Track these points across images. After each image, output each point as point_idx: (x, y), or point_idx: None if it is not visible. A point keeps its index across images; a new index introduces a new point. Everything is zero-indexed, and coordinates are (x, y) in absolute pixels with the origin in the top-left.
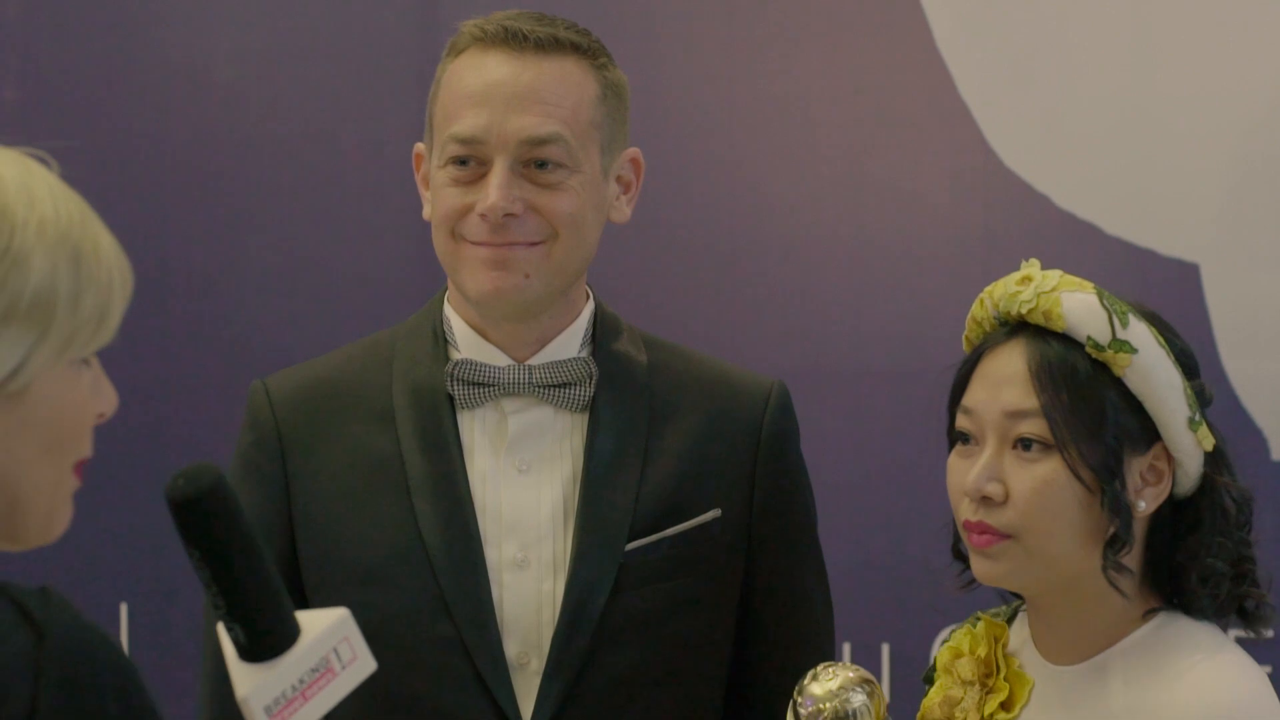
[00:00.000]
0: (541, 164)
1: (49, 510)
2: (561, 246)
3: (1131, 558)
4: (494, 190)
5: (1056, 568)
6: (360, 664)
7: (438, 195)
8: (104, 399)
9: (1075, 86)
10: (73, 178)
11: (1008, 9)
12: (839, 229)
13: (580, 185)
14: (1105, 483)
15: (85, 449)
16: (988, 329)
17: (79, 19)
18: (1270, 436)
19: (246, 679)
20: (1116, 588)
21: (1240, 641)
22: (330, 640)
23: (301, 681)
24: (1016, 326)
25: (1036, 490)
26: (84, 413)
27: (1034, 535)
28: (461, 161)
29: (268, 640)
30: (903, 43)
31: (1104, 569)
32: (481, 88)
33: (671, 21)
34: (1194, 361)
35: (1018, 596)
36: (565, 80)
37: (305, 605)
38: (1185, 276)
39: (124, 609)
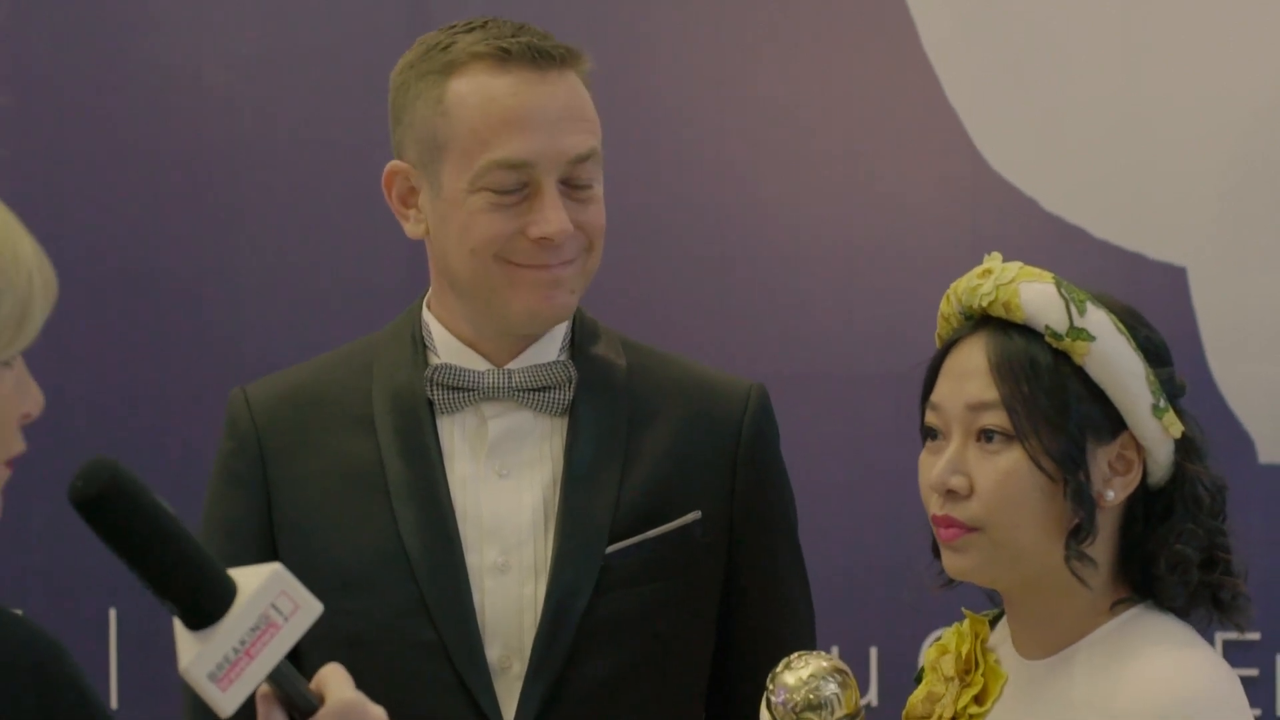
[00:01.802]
0: (576, 181)
1: None
2: (594, 258)
3: (1104, 548)
4: (556, 214)
5: (1024, 560)
6: (305, 611)
7: (474, 222)
8: (30, 398)
9: (1063, 90)
10: (64, 182)
11: (995, 13)
12: (827, 233)
13: (601, 194)
14: (1068, 473)
15: (14, 446)
16: (955, 324)
17: (70, 23)
18: (1258, 440)
19: (187, 650)
20: (1080, 579)
21: (1227, 644)
22: (265, 597)
23: (243, 642)
24: (980, 320)
25: (999, 482)
26: (6, 411)
27: (999, 527)
28: (503, 186)
29: (200, 610)
30: (890, 47)
31: (1067, 560)
32: (521, 110)
33: (660, 25)
34: (1161, 350)
35: (994, 601)
36: (583, 93)
37: None
38: (1173, 280)
39: (113, 614)
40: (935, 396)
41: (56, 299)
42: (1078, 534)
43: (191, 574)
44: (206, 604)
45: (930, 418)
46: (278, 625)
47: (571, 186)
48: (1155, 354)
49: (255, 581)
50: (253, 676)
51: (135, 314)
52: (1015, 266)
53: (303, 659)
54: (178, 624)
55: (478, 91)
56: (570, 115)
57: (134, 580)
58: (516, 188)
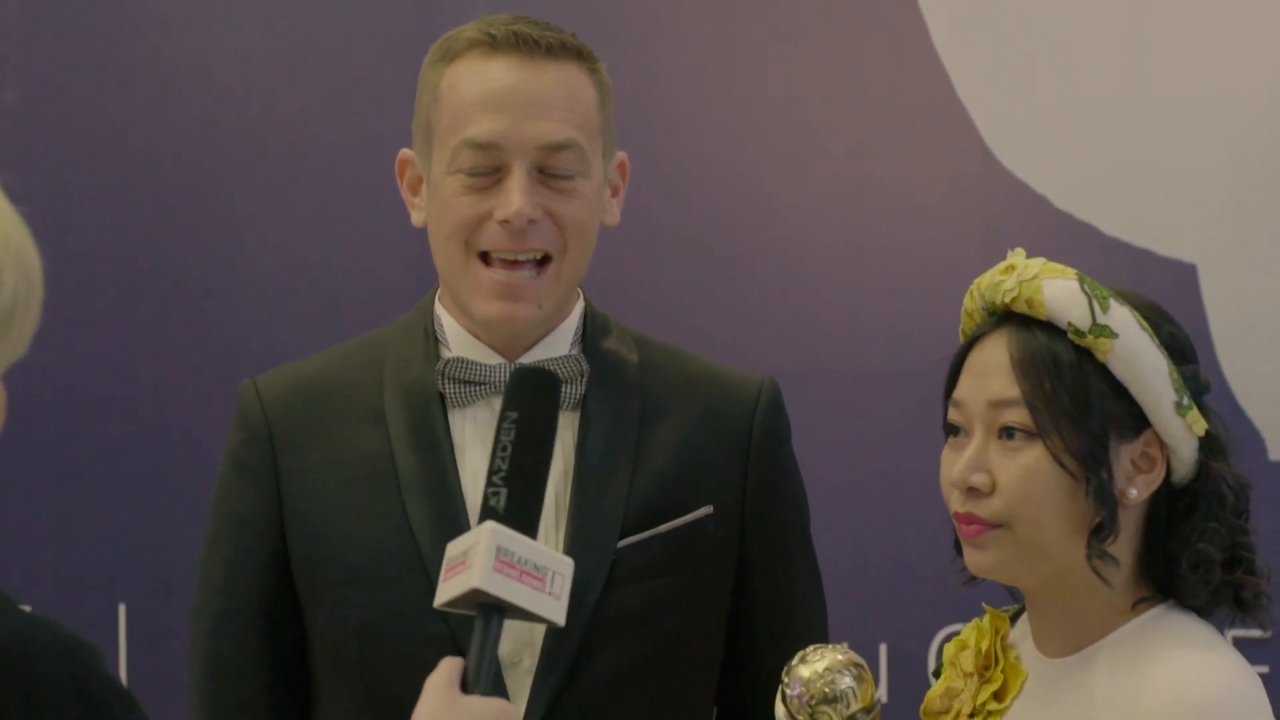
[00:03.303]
0: (554, 169)
1: None
2: (569, 261)
3: (1126, 547)
4: (517, 196)
5: (1046, 557)
6: (556, 608)
7: (447, 204)
8: None
9: (1074, 87)
10: (72, 178)
11: (1006, 10)
12: (837, 230)
13: (589, 191)
14: (1090, 471)
15: None
16: (978, 320)
17: (79, 20)
18: (1268, 437)
19: (493, 525)
20: (1102, 577)
21: (1236, 641)
22: (557, 565)
23: (525, 563)
24: (1003, 316)
25: (1020, 479)
26: (2, 413)
27: (1022, 524)
28: (474, 167)
29: (519, 513)
30: (901, 44)
31: (1089, 558)
32: (495, 92)
33: (669, 22)
34: (1185, 347)
35: (1014, 597)
36: (574, 86)
37: (298, 606)
38: (1183, 277)
39: (122, 609)
40: (958, 393)
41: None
42: (1099, 532)
43: (536, 486)
44: (525, 513)
45: (952, 414)
46: (543, 586)
47: (549, 176)
48: (1179, 351)
49: (557, 554)
50: (504, 588)
51: (143, 309)
52: (1039, 263)
53: (312, 649)
54: (490, 527)
55: (463, 76)
56: (548, 102)
57: (142, 576)
58: (487, 170)
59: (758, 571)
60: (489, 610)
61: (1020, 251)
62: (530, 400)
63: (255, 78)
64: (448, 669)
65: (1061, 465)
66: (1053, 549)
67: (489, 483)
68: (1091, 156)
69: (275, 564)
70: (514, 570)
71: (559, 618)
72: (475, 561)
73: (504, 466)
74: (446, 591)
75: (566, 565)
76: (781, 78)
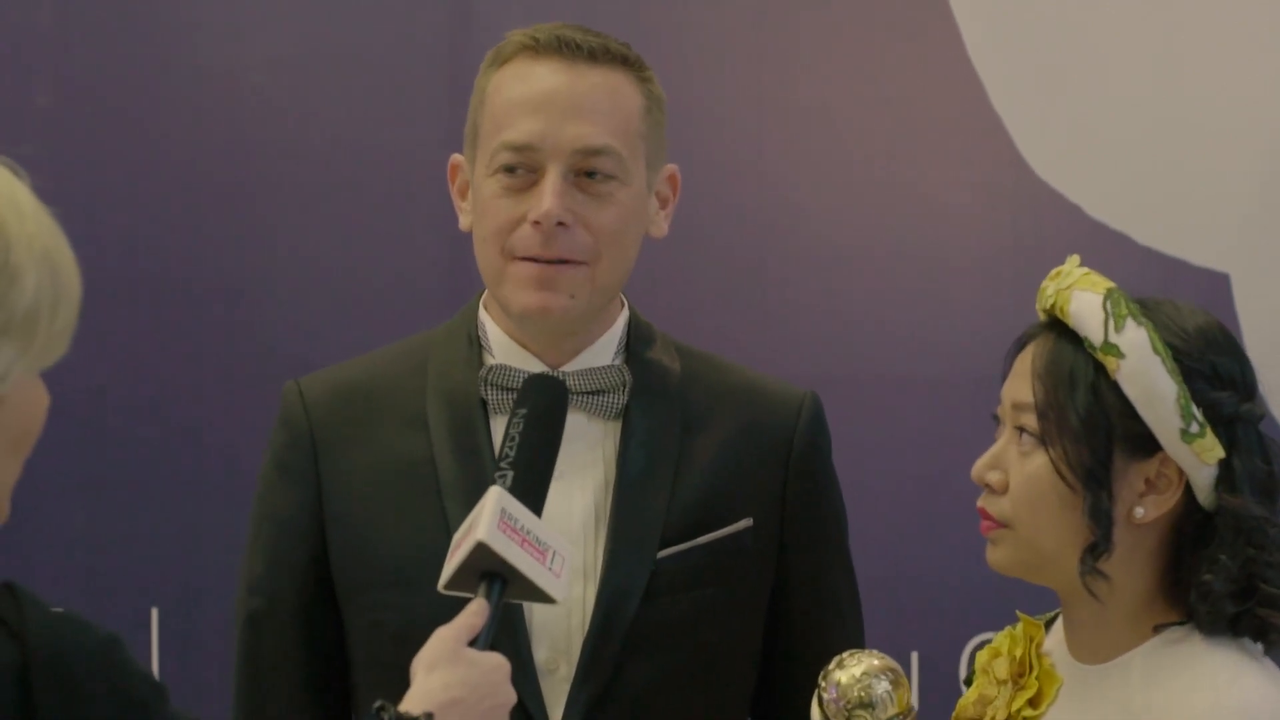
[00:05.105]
0: (591, 174)
1: (1, 504)
2: (604, 267)
3: (1145, 565)
4: (549, 197)
5: (1051, 563)
6: (556, 585)
7: (487, 207)
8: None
9: (1107, 96)
10: (103, 182)
11: (1040, 18)
12: (869, 238)
13: (627, 198)
14: (1088, 487)
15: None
16: (1040, 320)
17: (112, 25)
18: None
19: (503, 493)
20: (1093, 593)
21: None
22: (558, 545)
23: (529, 533)
24: (1051, 321)
25: (1023, 483)
26: (43, 415)
27: (1024, 527)
28: (511, 169)
29: (524, 495)
30: (934, 52)
31: (1081, 574)
32: (535, 95)
33: (701, 30)
34: (1225, 376)
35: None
36: (617, 92)
37: (337, 606)
38: (1216, 286)
39: (154, 613)
40: (1002, 389)
41: (80, 312)
42: (1094, 550)
43: (540, 473)
44: (532, 497)
45: (998, 408)
46: (544, 560)
47: (587, 180)
48: (1214, 378)
49: (561, 537)
50: (505, 547)
51: (175, 312)
52: (1079, 272)
53: (351, 649)
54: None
55: (507, 80)
56: (587, 106)
57: (175, 580)
58: (525, 172)
59: (795, 584)
60: (491, 578)
61: (1075, 258)
62: (539, 400)
63: (287, 82)
64: (464, 625)
65: (1062, 477)
66: (1050, 556)
67: (496, 468)
68: (1125, 165)
69: (315, 565)
70: (516, 535)
71: (559, 594)
72: (480, 521)
73: (511, 453)
74: (450, 566)
75: (568, 550)
76: (814, 85)
